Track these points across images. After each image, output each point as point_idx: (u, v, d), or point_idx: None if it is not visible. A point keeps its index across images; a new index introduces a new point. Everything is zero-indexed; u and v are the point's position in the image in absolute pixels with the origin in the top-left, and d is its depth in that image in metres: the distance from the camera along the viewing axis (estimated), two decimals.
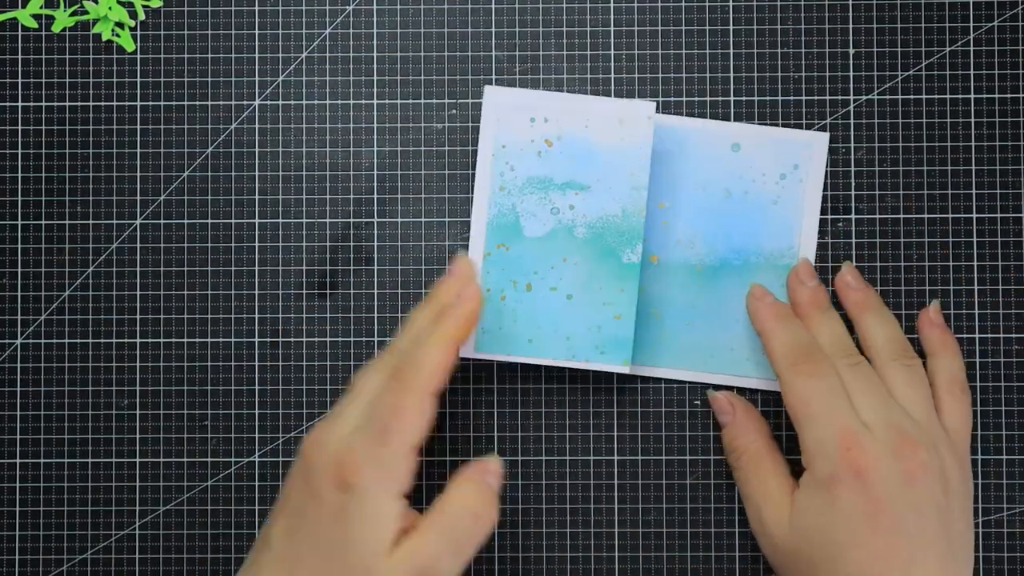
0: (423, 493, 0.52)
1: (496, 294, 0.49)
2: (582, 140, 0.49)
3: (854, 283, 0.51)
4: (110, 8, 0.53)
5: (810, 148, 0.52)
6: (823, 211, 0.52)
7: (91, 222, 0.53)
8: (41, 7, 0.53)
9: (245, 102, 0.53)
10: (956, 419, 0.49)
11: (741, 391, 0.52)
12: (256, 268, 0.53)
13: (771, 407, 0.52)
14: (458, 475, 0.45)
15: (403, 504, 0.43)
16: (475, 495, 0.44)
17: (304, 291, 0.53)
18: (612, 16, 0.53)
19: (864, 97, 0.53)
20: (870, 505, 0.44)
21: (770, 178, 0.52)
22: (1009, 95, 0.52)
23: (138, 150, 0.53)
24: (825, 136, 0.52)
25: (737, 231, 0.52)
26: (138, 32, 0.53)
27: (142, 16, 0.53)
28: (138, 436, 0.53)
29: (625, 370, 0.49)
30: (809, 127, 0.53)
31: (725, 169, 0.52)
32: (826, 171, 0.52)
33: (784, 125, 0.53)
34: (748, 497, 0.49)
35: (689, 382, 0.52)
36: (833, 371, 0.47)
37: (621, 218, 0.48)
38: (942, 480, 0.46)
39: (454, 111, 0.53)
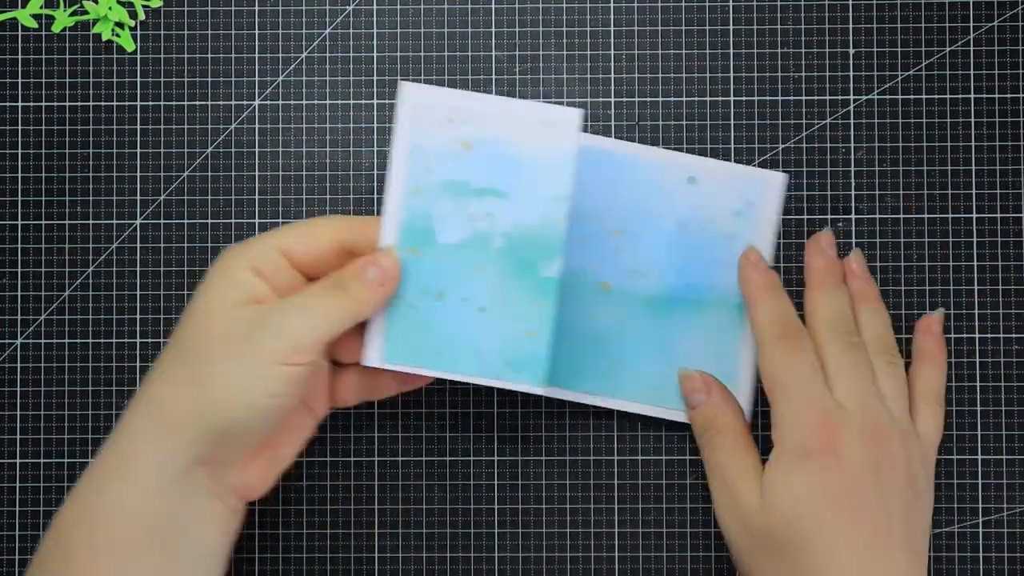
0: (422, 493, 0.52)
1: (406, 302, 0.46)
2: (503, 145, 0.45)
3: (858, 271, 0.51)
4: (110, 8, 0.53)
5: (765, 186, 0.51)
6: (823, 211, 0.52)
7: (91, 222, 0.53)
8: (41, 7, 0.53)
9: (245, 102, 0.53)
10: (929, 428, 0.49)
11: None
12: None
13: None
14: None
15: (258, 280, 0.44)
16: (345, 277, 0.44)
17: None
18: (612, 16, 0.53)
19: (864, 97, 0.53)
20: (839, 482, 0.45)
21: (725, 214, 0.51)
22: (1009, 95, 0.52)
23: (138, 150, 0.53)
24: (781, 176, 0.52)
25: (690, 265, 0.51)
26: (138, 32, 0.53)
27: (142, 16, 0.53)
28: None
29: (538, 391, 0.45)
30: (809, 127, 0.53)
31: (681, 202, 0.51)
32: (780, 210, 0.52)
33: (784, 125, 0.53)
34: (722, 476, 0.48)
35: (632, 414, 0.52)
36: (812, 351, 0.48)
37: (540, 229, 0.45)
38: (909, 476, 0.46)
39: None
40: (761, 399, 0.51)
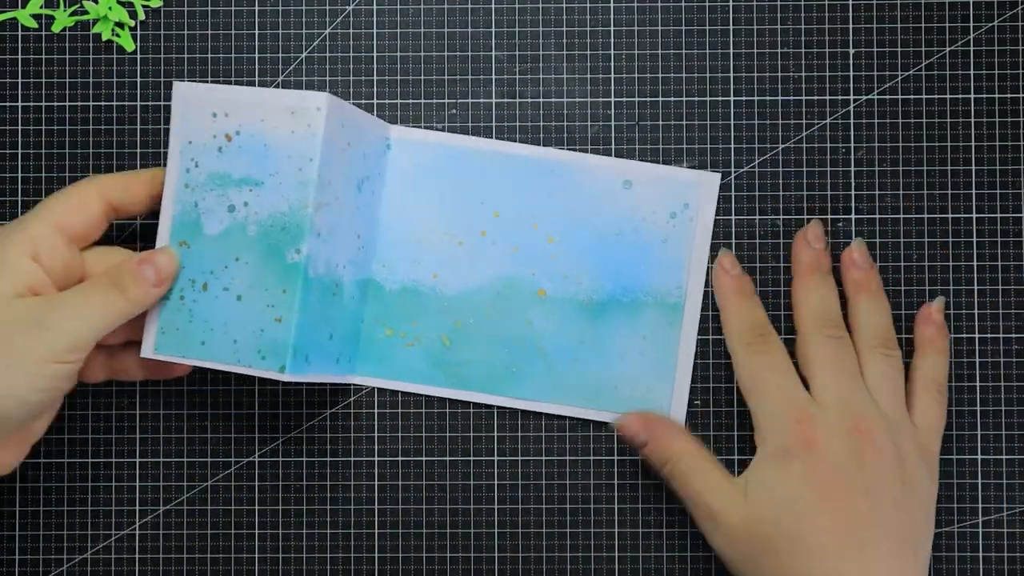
0: (422, 493, 0.52)
1: (176, 294, 0.46)
2: (258, 134, 0.46)
3: (859, 261, 0.51)
4: (110, 8, 0.53)
5: (700, 187, 0.52)
6: (823, 211, 0.52)
7: None
8: (41, 7, 0.53)
9: None
10: (929, 417, 0.49)
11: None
12: None
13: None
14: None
15: (36, 267, 0.44)
16: (116, 274, 0.44)
17: None
18: (612, 16, 0.53)
19: (864, 97, 0.53)
20: (821, 478, 0.45)
21: (660, 216, 0.52)
22: (1009, 95, 0.52)
23: (138, 150, 0.53)
24: (715, 176, 0.52)
25: (626, 268, 0.52)
26: (138, 32, 0.53)
27: (142, 16, 0.53)
28: (138, 436, 0.53)
29: (284, 377, 0.45)
30: (809, 127, 0.53)
31: (616, 206, 0.52)
32: (717, 209, 0.52)
33: (784, 125, 0.53)
34: (693, 497, 0.48)
35: (572, 418, 0.52)
36: (783, 352, 0.48)
37: (288, 214, 0.46)
38: (898, 469, 0.46)
39: (454, 111, 0.53)
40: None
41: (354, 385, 0.52)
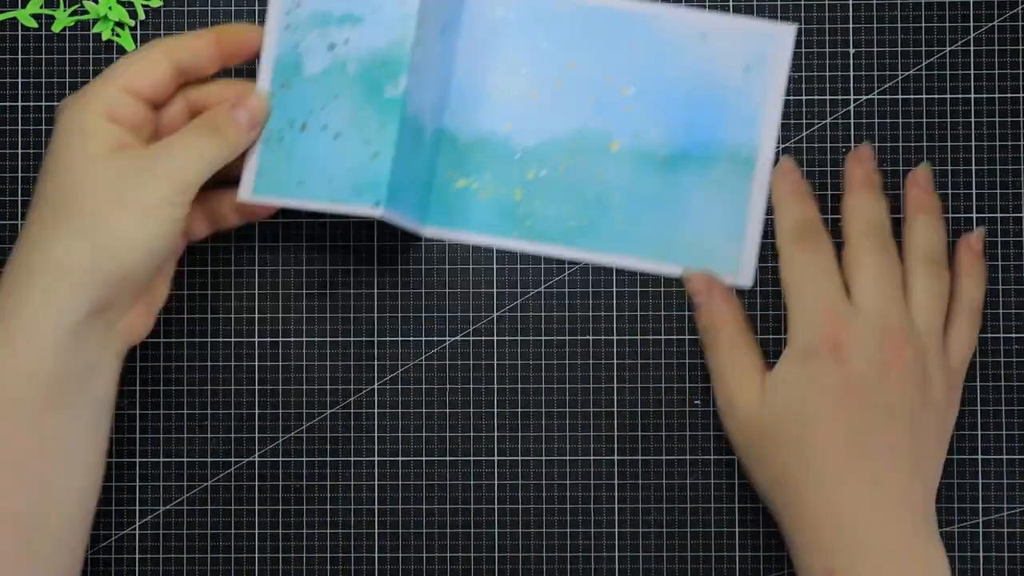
0: (422, 493, 0.52)
1: (276, 135, 0.47)
2: None
3: (923, 183, 0.50)
4: (110, 8, 0.53)
5: (776, 40, 0.52)
6: (824, 211, 0.52)
7: None
8: (41, 7, 0.53)
9: None
10: (962, 342, 0.48)
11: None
12: (256, 268, 0.53)
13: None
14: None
15: (116, 127, 0.44)
16: (212, 117, 0.46)
17: (304, 291, 0.53)
18: None
19: (864, 97, 0.53)
20: (840, 382, 0.44)
21: (735, 70, 0.52)
22: (1009, 95, 0.52)
23: None
24: (791, 28, 0.52)
25: (699, 122, 0.51)
26: (138, 32, 0.53)
27: (142, 16, 0.53)
28: (138, 436, 0.53)
29: (377, 213, 0.45)
30: (809, 127, 0.53)
31: (691, 59, 0.51)
32: (791, 65, 0.52)
33: (784, 124, 0.53)
34: (721, 374, 0.49)
35: (643, 272, 0.52)
36: (830, 252, 0.48)
37: (388, 50, 0.46)
38: (922, 389, 0.46)
39: None
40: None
41: (425, 238, 0.52)
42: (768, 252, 0.52)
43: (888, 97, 0.53)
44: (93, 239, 0.43)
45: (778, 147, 0.52)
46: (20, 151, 0.53)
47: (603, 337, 0.53)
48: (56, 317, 0.43)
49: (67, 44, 0.53)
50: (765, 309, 0.52)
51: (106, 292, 0.44)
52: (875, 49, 0.53)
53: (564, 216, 0.52)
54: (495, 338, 0.53)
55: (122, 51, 0.53)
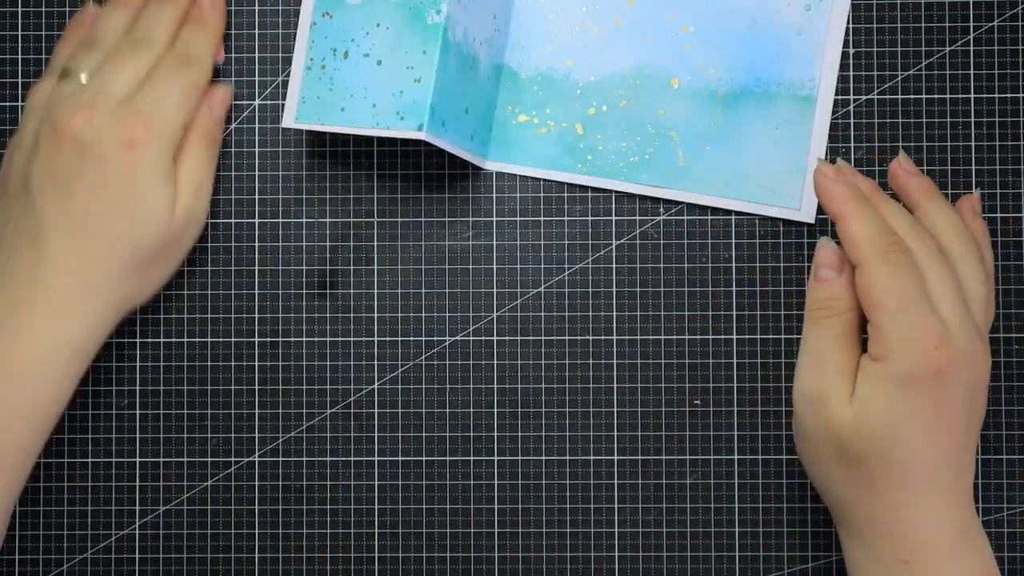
0: (422, 493, 0.52)
1: (318, 64, 0.49)
2: None
3: (910, 167, 0.48)
4: None
5: None
6: (823, 211, 0.52)
7: None
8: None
9: (245, 102, 0.53)
10: (987, 311, 0.47)
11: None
12: (256, 268, 0.53)
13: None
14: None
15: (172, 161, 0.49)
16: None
17: (304, 291, 0.53)
18: None
19: (864, 97, 0.53)
20: (937, 407, 0.43)
21: (796, 7, 0.52)
22: (1009, 95, 0.52)
23: None
24: None
25: (759, 59, 0.52)
26: None
27: None
28: (138, 436, 0.53)
29: (421, 136, 0.47)
30: None
31: None
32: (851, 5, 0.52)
33: None
34: (821, 362, 0.45)
35: (702, 206, 0.52)
36: (916, 265, 0.44)
37: None
38: (984, 401, 0.45)
39: None
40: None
41: (485, 170, 0.53)
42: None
43: (888, 97, 0.53)
44: (129, 214, 0.47)
45: (840, 85, 0.52)
46: None
47: (603, 337, 0.53)
48: (94, 294, 0.47)
49: None
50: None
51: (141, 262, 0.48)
52: (875, 49, 0.53)
53: (625, 151, 0.52)
54: (495, 338, 0.53)
55: None
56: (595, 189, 0.53)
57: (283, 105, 0.53)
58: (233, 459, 0.53)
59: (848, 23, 0.53)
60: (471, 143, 0.50)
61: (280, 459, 0.53)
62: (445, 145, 0.48)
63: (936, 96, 0.53)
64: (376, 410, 0.53)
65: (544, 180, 0.53)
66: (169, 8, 0.50)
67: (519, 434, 0.53)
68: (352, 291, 0.53)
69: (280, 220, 0.53)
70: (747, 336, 0.52)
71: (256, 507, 0.52)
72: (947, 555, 0.44)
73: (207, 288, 0.53)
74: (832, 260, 0.46)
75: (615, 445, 0.52)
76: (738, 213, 0.52)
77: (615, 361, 0.52)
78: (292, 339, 0.53)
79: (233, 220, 0.53)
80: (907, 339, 0.43)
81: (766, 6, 0.52)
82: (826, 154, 0.52)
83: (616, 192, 0.52)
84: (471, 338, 0.53)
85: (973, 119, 0.52)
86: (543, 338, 0.53)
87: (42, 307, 0.46)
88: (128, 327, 0.53)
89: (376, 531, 0.52)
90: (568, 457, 0.53)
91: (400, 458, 0.53)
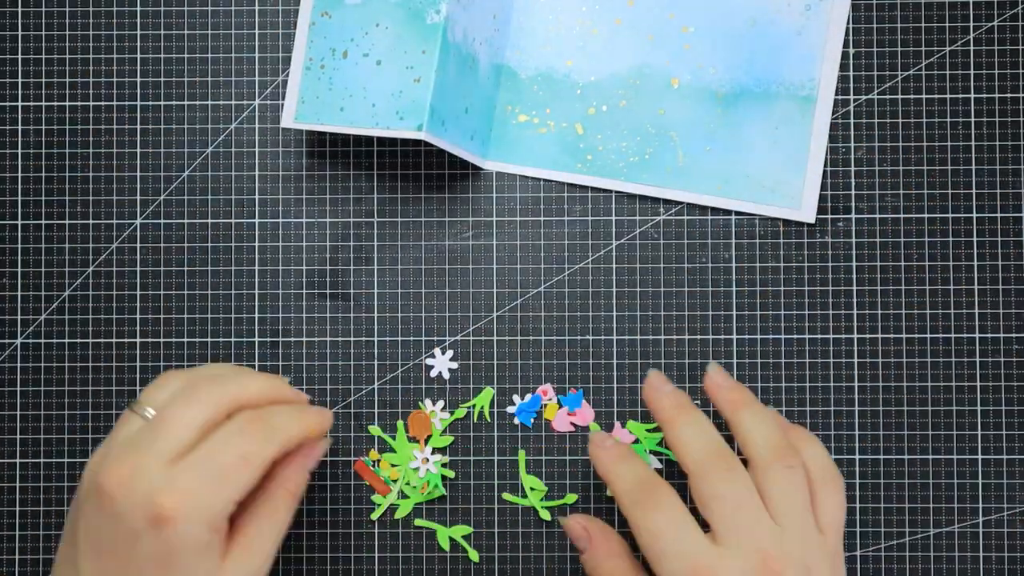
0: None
1: (317, 64, 0.49)
2: None
3: (724, 382, 0.47)
4: None
5: None
6: (823, 211, 0.52)
7: (91, 222, 0.53)
8: None
9: (245, 102, 0.53)
10: (831, 512, 0.45)
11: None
12: (256, 268, 0.53)
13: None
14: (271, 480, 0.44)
15: (223, 530, 0.42)
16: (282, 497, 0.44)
17: (304, 291, 0.53)
18: None
19: (864, 97, 0.53)
20: None
21: (796, 7, 0.52)
22: (1009, 95, 0.52)
23: (138, 150, 0.53)
24: None
25: (760, 59, 0.52)
26: (138, 31, 0.53)
27: None
28: None
29: (421, 135, 0.47)
30: None
31: None
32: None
33: None
34: None
35: (702, 206, 0.52)
36: (677, 502, 0.44)
37: None
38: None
39: None
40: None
41: (485, 170, 0.53)
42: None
43: (888, 97, 0.53)
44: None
45: (839, 84, 0.52)
46: (20, 151, 0.53)
47: (603, 337, 0.53)
48: None
49: (67, 44, 0.53)
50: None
51: None
52: (875, 49, 0.53)
53: (625, 151, 0.52)
54: (495, 338, 0.53)
55: (122, 51, 0.53)
56: (595, 189, 0.53)
57: (283, 105, 0.53)
58: None
59: (848, 23, 0.53)
60: (471, 143, 0.50)
61: None
62: (445, 145, 0.48)
63: (936, 96, 0.53)
64: (376, 410, 0.53)
65: (544, 180, 0.53)
66: (281, 387, 0.45)
67: (519, 434, 0.53)
68: (352, 291, 0.53)
69: (280, 220, 0.53)
70: (747, 336, 0.52)
71: None
72: None
73: (207, 288, 0.53)
74: (578, 533, 0.48)
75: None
76: (738, 213, 0.52)
77: (615, 361, 0.53)
78: (292, 339, 0.53)
79: (233, 220, 0.53)
80: (737, 555, 0.43)
81: (766, 6, 0.52)
82: (826, 154, 0.52)
83: (616, 192, 0.52)
84: (471, 338, 0.53)
85: (973, 119, 0.53)
86: (543, 338, 0.53)
87: None
88: (128, 327, 0.53)
89: (376, 531, 0.52)
90: (568, 457, 0.53)
91: None
